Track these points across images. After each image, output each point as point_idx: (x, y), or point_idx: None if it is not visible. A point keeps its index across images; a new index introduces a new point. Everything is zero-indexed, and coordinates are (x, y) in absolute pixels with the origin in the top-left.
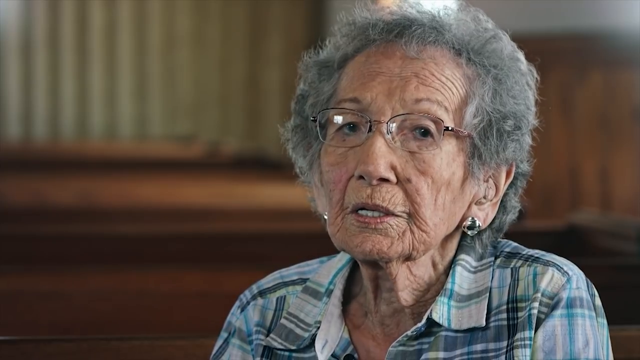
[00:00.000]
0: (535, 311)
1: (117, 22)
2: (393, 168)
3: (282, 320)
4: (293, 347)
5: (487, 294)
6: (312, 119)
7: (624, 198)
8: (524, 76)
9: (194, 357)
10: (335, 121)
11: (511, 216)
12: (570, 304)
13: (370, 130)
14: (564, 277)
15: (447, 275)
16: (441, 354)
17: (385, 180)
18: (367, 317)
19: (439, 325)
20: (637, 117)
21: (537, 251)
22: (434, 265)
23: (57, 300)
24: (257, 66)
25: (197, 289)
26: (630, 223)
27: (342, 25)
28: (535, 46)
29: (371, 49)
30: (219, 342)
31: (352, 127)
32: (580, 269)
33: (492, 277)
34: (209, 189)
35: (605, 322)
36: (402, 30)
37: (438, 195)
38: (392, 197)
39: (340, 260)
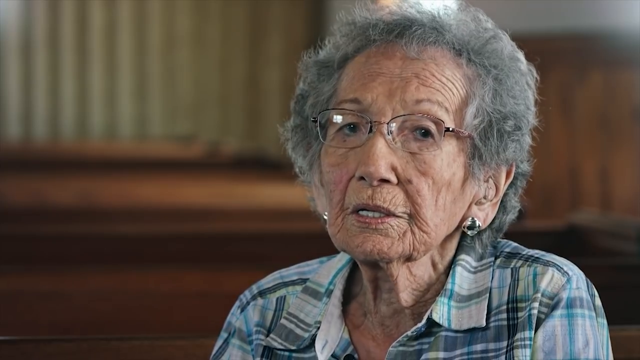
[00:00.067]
0: (535, 311)
1: (117, 22)
2: (394, 169)
3: (282, 321)
4: (293, 348)
5: (487, 294)
6: (312, 119)
7: (624, 198)
8: (523, 76)
9: (194, 357)
10: (335, 122)
11: (511, 216)
12: (570, 304)
13: (370, 131)
14: (564, 277)
15: (447, 275)
16: (441, 354)
17: (386, 181)
18: (366, 317)
19: (439, 325)
20: (637, 117)
21: (537, 251)
22: (434, 265)
23: (57, 300)
24: (257, 66)
25: (197, 289)
26: (630, 223)
27: (341, 25)
28: (535, 46)
29: (371, 50)
30: (219, 342)
31: (353, 127)
32: (580, 269)
33: (492, 277)
34: (209, 189)
35: (605, 322)
36: (403, 31)
37: (439, 196)
38: (393, 198)
39: (340, 260)
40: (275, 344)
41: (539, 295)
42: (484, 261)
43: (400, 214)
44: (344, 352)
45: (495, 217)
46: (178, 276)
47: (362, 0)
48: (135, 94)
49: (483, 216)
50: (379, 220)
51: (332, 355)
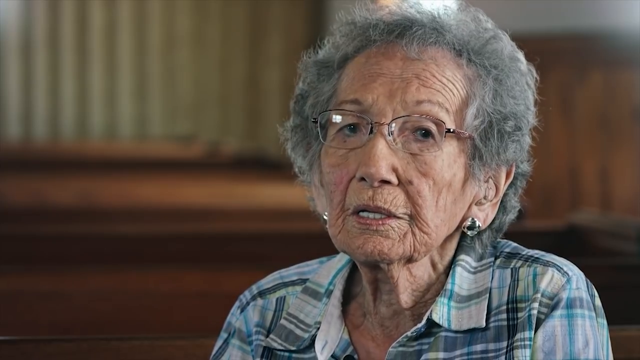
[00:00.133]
0: (535, 311)
1: (117, 22)
2: (394, 170)
3: (282, 321)
4: (293, 348)
5: (487, 295)
6: (312, 120)
7: (624, 198)
8: (523, 76)
9: (194, 357)
10: (335, 122)
11: (511, 216)
12: (570, 305)
13: (371, 131)
14: (563, 277)
15: (446, 276)
16: (441, 355)
17: (386, 182)
18: (366, 317)
19: (438, 325)
20: (637, 117)
21: (536, 251)
22: (433, 265)
23: (57, 300)
24: (257, 66)
25: (197, 289)
26: (630, 223)
27: (341, 24)
28: (535, 46)
29: (371, 50)
30: (219, 343)
31: (353, 128)
32: (580, 269)
33: (492, 278)
34: (209, 189)
35: (605, 322)
36: (403, 31)
37: (439, 197)
38: (394, 199)
39: (339, 260)
40: (275, 345)
41: (538, 295)
42: (484, 261)
43: (400, 215)
44: (343, 352)
45: (495, 217)
46: (178, 276)
47: (362, 0)
48: (135, 94)
49: (483, 216)
50: (380, 222)
51: (332, 356)
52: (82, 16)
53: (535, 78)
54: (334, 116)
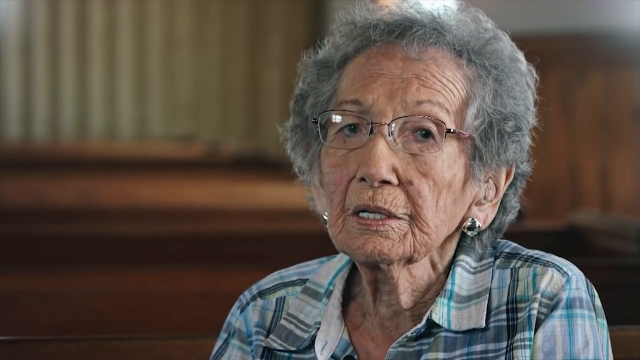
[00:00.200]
0: (534, 312)
1: (117, 22)
2: (395, 170)
3: (282, 321)
4: (293, 348)
5: (487, 295)
6: (312, 120)
7: (624, 198)
8: (523, 77)
9: (194, 357)
10: (335, 122)
11: (511, 216)
12: (570, 305)
13: (371, 132)
14: (563, 277)
15: (446, 276)
16: (441, 355)
17: (386, 182)
18: (365, 318)
19: (438, 326)
20: (637, 117)
21: (536, 251)
22: (433, 265)
23: (57, 300)
24: (257, 66)
25: (197, 289)
26: (630, 223)
27: (341, 24)
28: (535, 46)
29: (372, 50)
30: (219, 343)
31: (353, 128)
32: (580, 269)
33: (492, 278)
34: (209, 189)
35: (605, 322)
36: (403, 32)
37: (439, 197)
38: (394, 199)
39: (339, 260)
40: (275, 345)
41: (538, 295)
42: (484, 262)
43: (401, 215)
44: (343, 353)
45: (495, 217)
46: (178, 276)
47: (362, 0)
48: (135, 94)
49: (483, 217)
50: (380, 222)
51: (332, 356)
52: (82, 16)
53: (535, 78)
54: (334, 116)
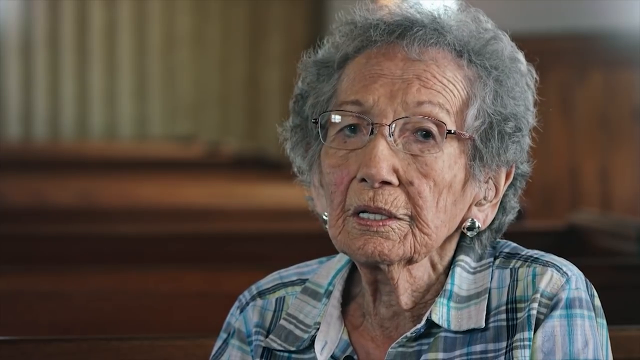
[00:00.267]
0: (534, 312)
1: (117, 22)
2: (395, 171)
3: (282, 322)
4: (292, 349)
5: (487, 295)
6: (313, 120)
7: (624, 198)
8: (523, 77)
9: (194, 357)
10: (336, 123)
11: (510, 217)
12: (570, 305)
13: (372, 132)
14: (563, 277)
15: (446, 276)
16: (440, 355)
17: (387, 183)
18: (365, 318)
19: (438, 326)
20: (637, 117)
21: (536, 251)
22: (433, 265)
23: (57, 300)
24: (257, 66)
25: (197, 289)
26: (630, 223)
27: (340, 24)
28: (535, 46)
29: (372, 50)
30: (219, 343)
31: (353, 128)
32: (580, 269)
33: (492, 278)
34: (209, 189)
35: (604, 322)
36: (404, 32)
37: (440, 198)
38: (395, 200)
39: (339, 261)
40: (275, 345)
41: (538, 295)
42: (483, 262)
43: (401, 216)
44: (343, 353)
45: (494, 217)
46: (178, 276)
47: (362, 0)
48: (135, 94)
49: (483, 217)
50: (380, 223)
51: (332, 357)
52: (82, 16)
53: (535, 78)
54: (334, 117)
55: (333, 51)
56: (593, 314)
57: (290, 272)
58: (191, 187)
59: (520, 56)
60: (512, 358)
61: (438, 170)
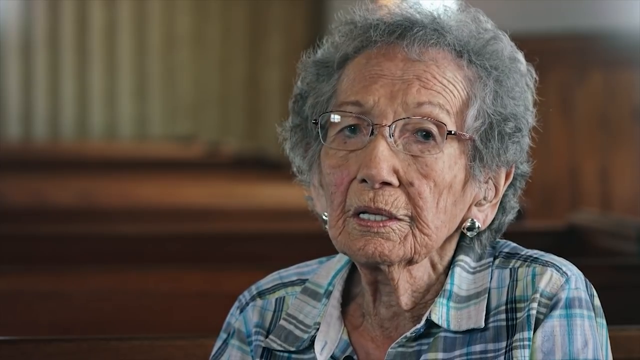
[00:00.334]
0: (534, 312)
1: (117, 22)
2: (395, 171)
3: (282, 322)
4: (292, 349)
5: (486, 295)
6: (313, 121)
7: (624, 198)
8: (523, 77)
9: (194, 357)
10: (336, 123)
11: (510, 217)
12: (569, 305)
13: (372, 133)
14: (562, 277)
15: (446, 276)
16: (440, 355)
17: (387, 183)
18: (365, 318)
19: (438, 326)
20: (637, 117)
21: (535, 251)
22: (433, 265)
23: (57, 300)
24: (257, 66)
25: (197, 289)
26: (630, 223)
27: (340, 24)
28: (534, 46)
29: (372, 51)
30: (218, 343)
31: (353, 129)
32: (580, 269)
33: (491, 278)
34: (209, 189)
35: (604, 322)
36: (404, 32)
37: (440, 198)
38: (395, 201)
39: (339, 261)
40: (275, 345)
41: (537, 295)
42: (483, 262)
43: (401, 217)
44: (343, 353)
45: (494, 217)
46: (178, 276)
47: (361, 0)
48: (135, 94)
49: (483, 217)
50: (381, 224)
51: (332, 357)
52: (82, 16)
53: (535, 78)
54: (334, 117)
55: (333, 51)
56: (593, 314)
57: (290, 272)
58: (191, 187)
59: (520, 56)
60: (512, 358)
61: (438, 170)
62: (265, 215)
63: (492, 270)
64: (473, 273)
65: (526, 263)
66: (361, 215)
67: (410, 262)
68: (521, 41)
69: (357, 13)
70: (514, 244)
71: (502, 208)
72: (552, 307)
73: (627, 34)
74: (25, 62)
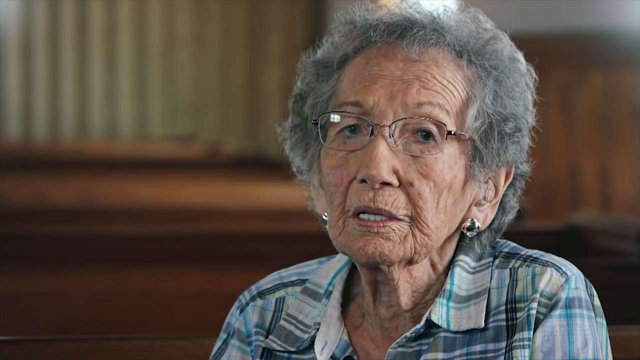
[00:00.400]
0: (534, 312)
1: (117, 22)
2: (395, 172)
3: (282, 322)
4: (292, 349)
5: (486, 295)
6: (312, 121)
7: (624, 198)
8: (523, 77)
9: (194, 357)
10: (335, 123)
11: (510, 217)
12: (569, 304)
13: (372, 133)
14: (562, 277)
15: (446, 276)
16: (440, 355)
17: (387, 184)
18: (365, 318)
19: (437, 326)
20: (637, 117)
21: (535, 251)
22: (433, 265)
23: (57, 300)
24: (257, 66)
25: (197, 289)
26: (630, 223)
27: (339, 24)
28: (535, 46)
29: (372, 51)
30: (218, 343)
31: (353, 129)
32: (580, 269)
33: (491, 278)
34: (209, 189)
35: (604, 322)
36: (404, 32)
37: (440, 199)
38: (395, 201)
39: (339, 261)
40: (275, 346)
41: (537, 295)
42: (483, 261)
43: (401, 217)
44: (343, 353)
45: (494, 217)
46: (178, 276)
47: (361, 0)
48: (135, 94)
49: (482, 217)
50: (381, 224)
51: (332, 357)
52: (82, 16)
53: (535, 78)
54: (333, 117)
55: (332, 51)
56: (592, 314)
57: (290, 272)
58: (191, 187)
59: (520, 56)
60: (512, 358)
61: (438, 171)
62: (265, 215)
63: (492, 270)
64: (473, 273)
65: (526, 263)
66: (361, 216)
67: (410, 262)
68: (521, 41)
69: (357, 13)
70: (514, 244)
71: (502, 208)
72: (552, 307)
73: (627, 34)
74: (25, 62)
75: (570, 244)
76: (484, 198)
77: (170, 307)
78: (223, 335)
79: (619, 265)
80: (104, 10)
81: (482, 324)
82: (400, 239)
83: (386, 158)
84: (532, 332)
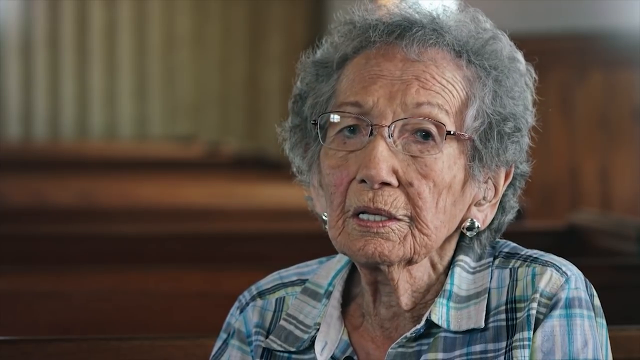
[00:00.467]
0: (534, 312)
1: (117, 22)
2: (395, 172)
3: (282, 322)
4: (292, 349)
5: (486, 295)
6: (312, 122)
7: (624, 198)
8: (522, 77)
9: (194, 357)
10: (335, 124)
11: (510, 217)
12: (569, 304)
13: (371, 134)
14: (562, 277)
15: (446, 276)
16: (440, 355)
17: (386, 184)
18: (365, 318)
19: (437, 326)
20: (637, 117)
21: (535, 251)
22: (433, 265)
23: (57, 300)
24: (257, 66)
25: (197, 289)
26: (630, 223)
27: (339, 24)
28: (534, 46)
29: (371, 51)
30: (218, 343)
31: (352, 129)
32: (580, 269)
33: (491, 278)
34: (209, 189)
35: (604, 322)
36: (403, 32)
37: (439, 199)
38: (394, 201)
39: (339, 261)
40: (275, 346)
41: (537, 295)
42: (483, 262)
43: (401, 217)
44: (343, 353)
45: (494, 217)
46: (178, 276)
47: (361, 1)
48: (135, 94)
49: (482, 217)
50: (380, 224)
51: (332, 357)
52: (82, 16)
53: (534, 78)
54: (333, 117)
55: (332, 51)
56: (592, 314)
57: (290, 272)
58: (191, 187)
59: (519, 56)
60: (512, 358)
61: (437, 171)
62: (265, 215)
63: (492, 270)
64: (473, 273)
65: (526, 263)
66: (361, 216)
67: (410, 262)
68: (521, 41)
69: (356, 13)
70: (514, 244)
71: (501, 208)
72: (552, 307)
73: (627, 34)
74: (25, 62)
75: (570, 244)
76: (484, 198)
77: (170, 307)
78: (223, 335)
79: (619, 265)
80: (104, 10)
81: (482, 324)
82: (399, 239)
83: (385, 158)
84: (532, 332)
